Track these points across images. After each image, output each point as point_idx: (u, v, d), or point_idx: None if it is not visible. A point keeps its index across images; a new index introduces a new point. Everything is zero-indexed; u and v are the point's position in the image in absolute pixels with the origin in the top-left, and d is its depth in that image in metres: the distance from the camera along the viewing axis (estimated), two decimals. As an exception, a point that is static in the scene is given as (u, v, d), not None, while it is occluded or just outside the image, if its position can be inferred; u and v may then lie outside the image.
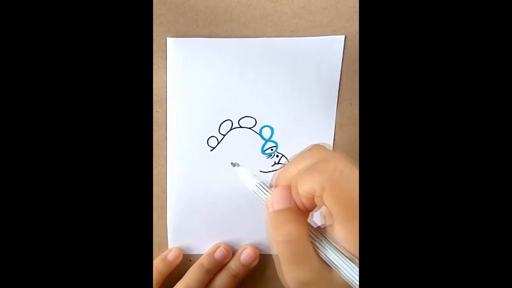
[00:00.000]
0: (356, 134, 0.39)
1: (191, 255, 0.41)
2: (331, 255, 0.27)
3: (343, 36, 0.36)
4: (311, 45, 0.36)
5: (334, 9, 0.35)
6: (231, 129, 0.38)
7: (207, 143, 0.38)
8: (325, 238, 0.28)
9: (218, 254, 0.40)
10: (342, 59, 0.37)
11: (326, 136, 0.39)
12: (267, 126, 0.38)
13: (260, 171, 0.39)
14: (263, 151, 0.39)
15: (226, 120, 0.37)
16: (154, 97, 0.36)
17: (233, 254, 0.41)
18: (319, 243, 0.28)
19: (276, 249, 0.28)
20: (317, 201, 0.27)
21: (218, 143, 0.38)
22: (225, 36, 0.35)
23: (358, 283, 0.26)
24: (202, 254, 0.41)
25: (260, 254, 0.41)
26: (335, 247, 0.27)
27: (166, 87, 0.36)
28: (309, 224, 0.28)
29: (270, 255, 0.41)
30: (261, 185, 0.31)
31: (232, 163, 0.35)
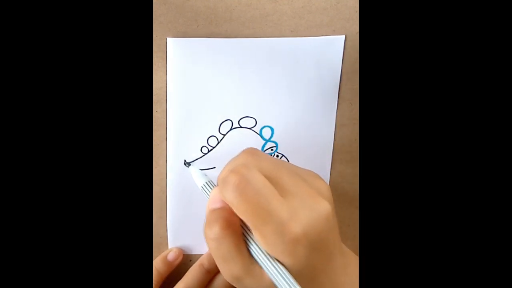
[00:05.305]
0: (356, 134, 0.39)
1: (191, 255, 0.41)
2: (254, 253, 0.28)
3: (343, 36, 0.36)
4: (311, 45, 0.36)
5: (334, 9, 0.35)
6: (231, 129, 0.38)
7: (207, 143, 0.38)
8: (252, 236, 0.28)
9: (218, 254, 0.40)
10: (342, 59, 0.37)
11: (326, 136, 0.39)
12: (267, 126, 0.38)
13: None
14: (263, 151, 0.39)
15: (226, 120, 0.37)
16: (154, 97, 0.36)
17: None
18: (248, 241, 0.28)
19: (207, 246, 0.29)
20: None
21: (218, 142, 0.38)
22: (225, 36, 0.35)
23: (276, 282, 0.26)
24: (202, 254, 0.41)
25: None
26: (258, 245, 0.28)
27: (166, 87, 0.36)
28: (243, 221, 0.28)
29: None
30: (208, 185, 0.34)
31: (184, 163, 0.37)
